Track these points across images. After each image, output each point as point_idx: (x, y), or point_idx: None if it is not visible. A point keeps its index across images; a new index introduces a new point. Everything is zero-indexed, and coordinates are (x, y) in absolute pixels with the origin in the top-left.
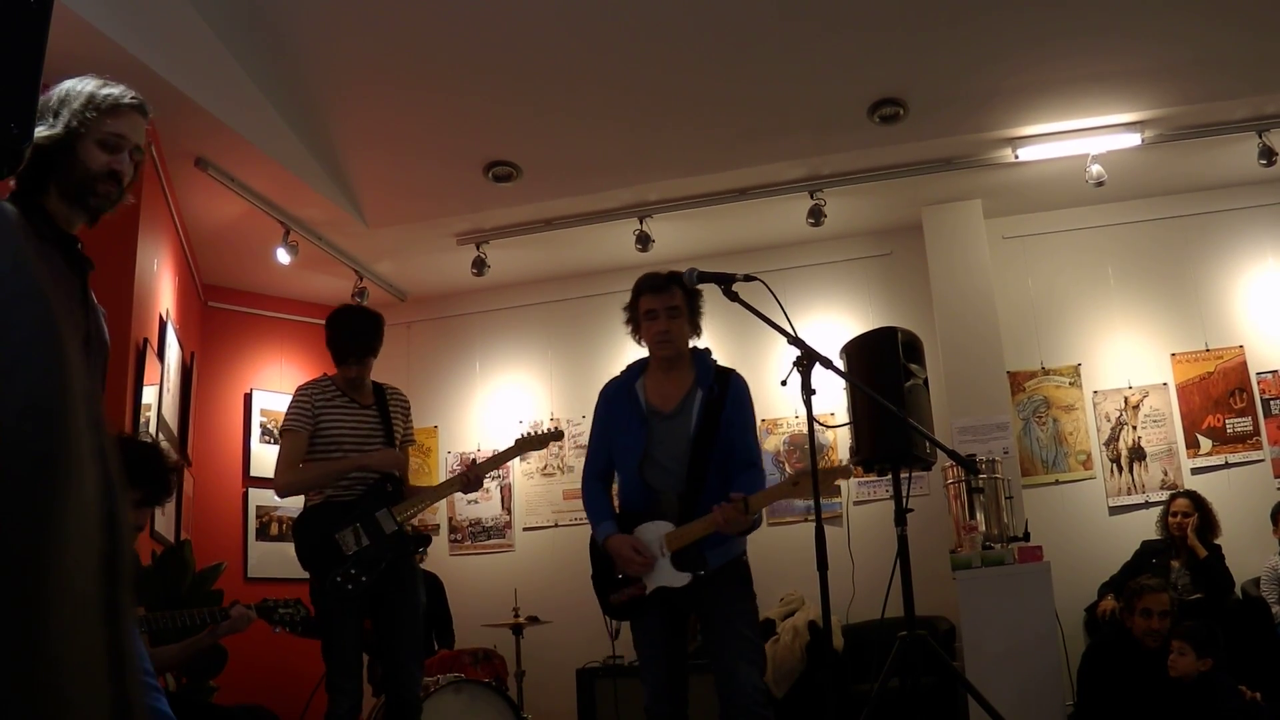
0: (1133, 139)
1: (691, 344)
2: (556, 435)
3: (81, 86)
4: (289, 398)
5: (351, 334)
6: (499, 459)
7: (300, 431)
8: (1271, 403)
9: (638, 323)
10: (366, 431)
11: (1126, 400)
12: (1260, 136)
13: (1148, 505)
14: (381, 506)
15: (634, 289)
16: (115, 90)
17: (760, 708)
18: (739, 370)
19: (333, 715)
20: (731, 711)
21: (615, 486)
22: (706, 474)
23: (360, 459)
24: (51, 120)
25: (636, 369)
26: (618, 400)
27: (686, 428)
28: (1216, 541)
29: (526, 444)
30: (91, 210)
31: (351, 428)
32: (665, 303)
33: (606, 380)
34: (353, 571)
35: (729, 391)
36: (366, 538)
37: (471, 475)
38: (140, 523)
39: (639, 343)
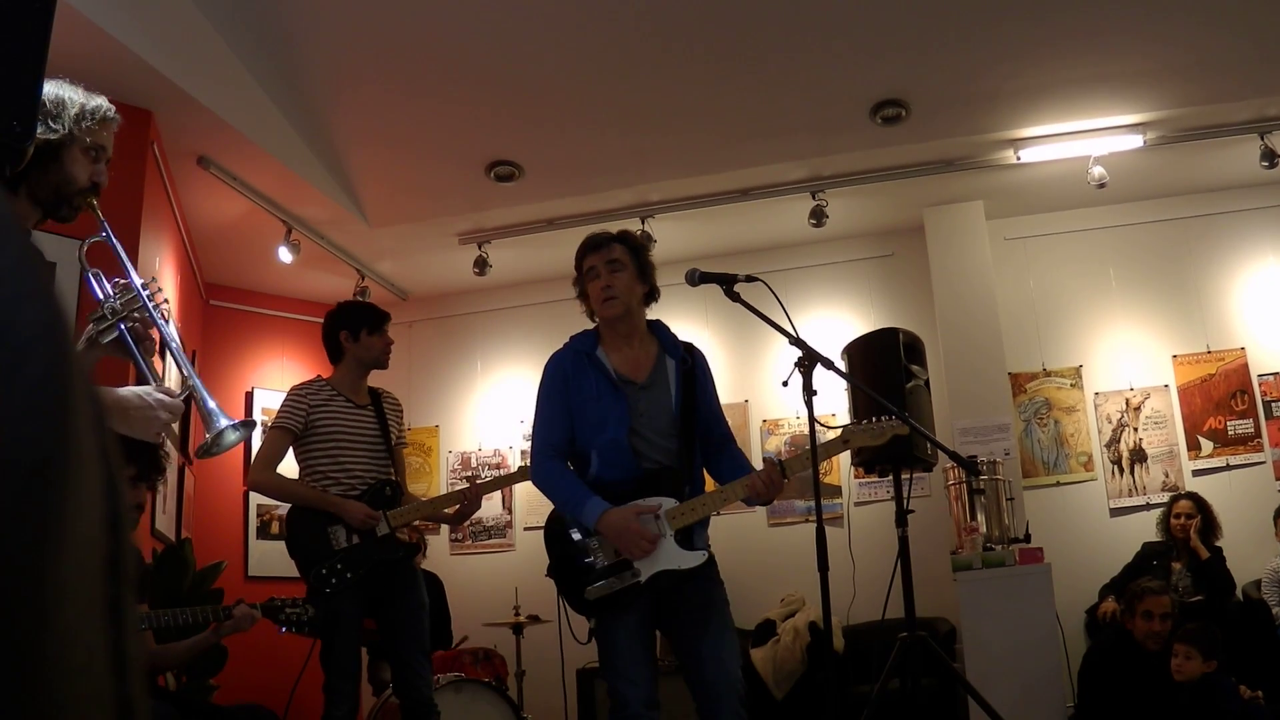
0: (1135, 141)
1: (646, 315)
2: None
3: (72, 95)
4: None
5: (371, 306)
6: (499, 482)
7: (289, 430)
8: (1273, 405)
9: (583, 290)
10: (363, 430)
11: (1128, 402)
12: (1262, 139)
13: (1149, 507)
14: (378, 508)
15: (576, 256)
16: (104, 102)
17: (744, 706)
18: (741, 372)
19: (330, 718)
20: (720, 708)
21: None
22: (694, 448)
23: (330, 501)
24: (52, 124)
25: (588, 339)
26: (577, 369)
27: (667, 399)
28: (1218, 543)
29: (527, 473)
30: (60, 218)
31: (348, 426)
32: (604, 257)
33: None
34: (339, 567)
35: (697, 362)
36: (357, 536)
37: (471, 496)
38: (138, 500)
39: (591, 317)
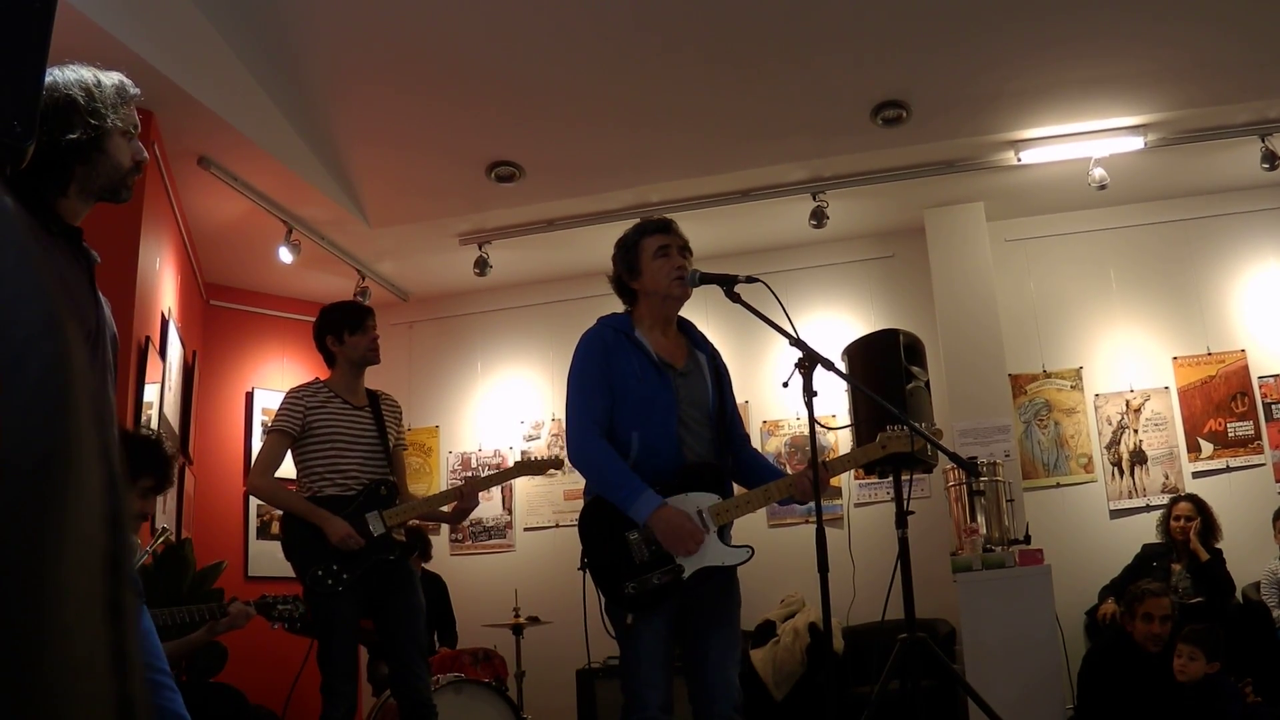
0: (1135, 142)
1: None
2: (556, 463)
3: (94, 79)
4: None
5: (349, 306)
6: (496, 478)
7: (286, 433)
8: (1273, 407)
9: (635, 268)
10: (360, 431)
11: (1128, 404)
12: (1263, 140)
13: (1149, 509)
14: (373, 508)
15: (633, 233)
16: (121, 77)
17: (739, 713)
18: (742, 373)
19: (328, 718)
20: (713, 711)
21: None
22: (724, 443)
23: (318, 515)
24: (92, 119)
25: (623, 320)
26: (619, 345)
27: (704, 390)
28: (1218, 545)
29: (525, 468)
30: (117, 201)
31: (345, 427)
32: (678, 240)
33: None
34: (335, 567)
35: (721, 362)
36: None
37: (468, 493)
38: (148, 511)
39: (628, 295)
